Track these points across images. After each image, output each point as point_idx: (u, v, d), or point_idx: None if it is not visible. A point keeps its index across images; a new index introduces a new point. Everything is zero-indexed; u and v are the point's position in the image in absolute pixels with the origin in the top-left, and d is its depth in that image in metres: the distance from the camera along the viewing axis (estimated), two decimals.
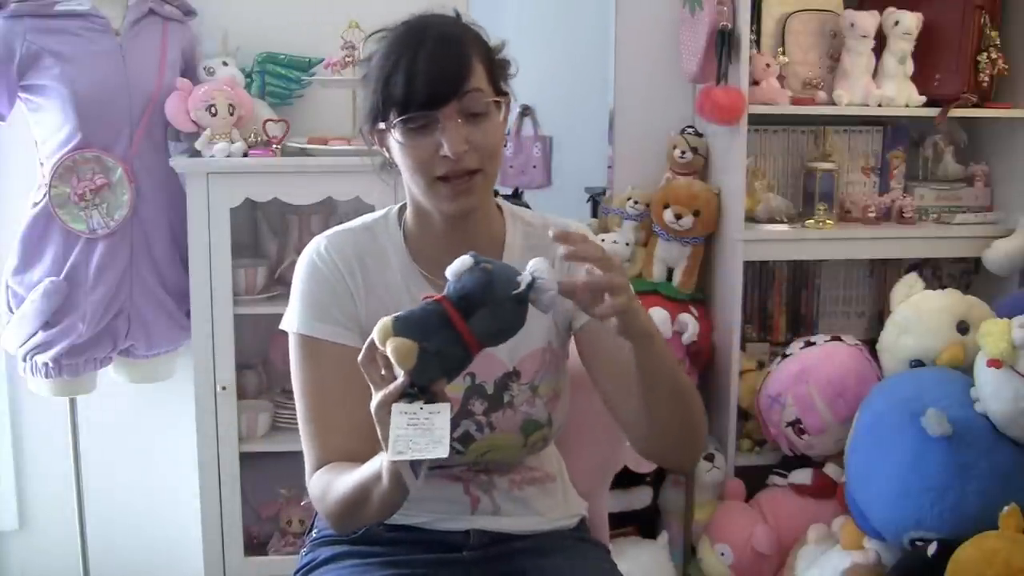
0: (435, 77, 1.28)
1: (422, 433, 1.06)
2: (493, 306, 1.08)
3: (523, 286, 1.08)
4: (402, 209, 1.46)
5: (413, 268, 1.42)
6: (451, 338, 1.09)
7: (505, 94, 1.38)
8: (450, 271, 1.12)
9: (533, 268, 1.11)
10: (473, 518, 1.45)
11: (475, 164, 1.31)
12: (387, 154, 1.38)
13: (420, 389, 1.09)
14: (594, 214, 2.94)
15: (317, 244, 1.43)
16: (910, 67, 2.73)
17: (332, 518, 1.31)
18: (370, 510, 1.23)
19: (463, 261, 1.12)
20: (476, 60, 1.31)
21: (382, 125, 1.33)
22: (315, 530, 1.53)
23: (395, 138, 1.32)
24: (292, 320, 1.40)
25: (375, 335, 1.10)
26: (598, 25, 2.88)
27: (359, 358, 1.13)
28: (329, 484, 1.30)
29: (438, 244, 1.41)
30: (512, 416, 1.41)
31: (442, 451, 1.04)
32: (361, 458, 1.30)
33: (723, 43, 2.57)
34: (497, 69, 1.37)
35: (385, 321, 1.09)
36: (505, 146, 1.53)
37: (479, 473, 1.46)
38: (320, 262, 1.41)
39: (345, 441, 1.33)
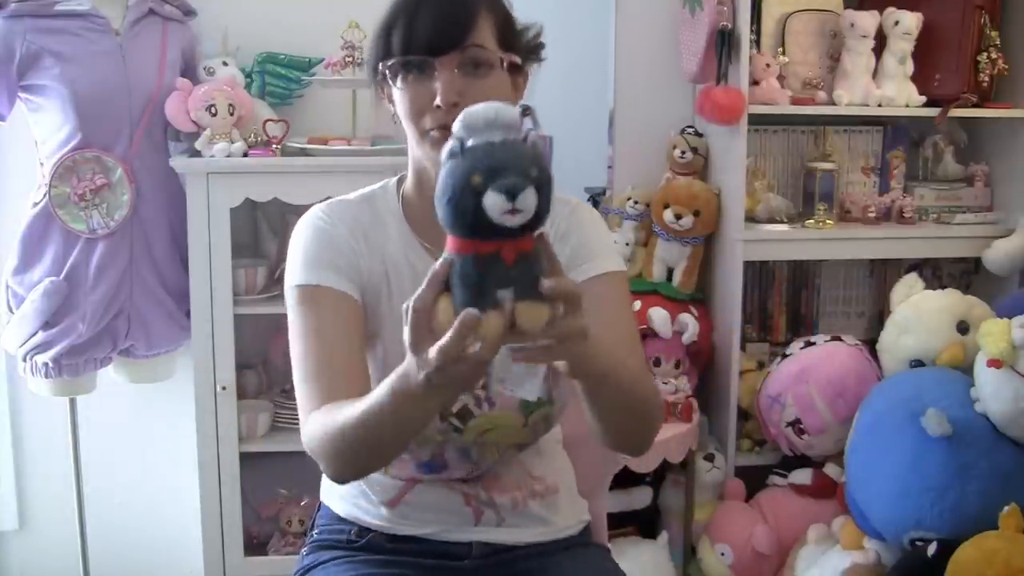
0: (437, 24, 1.26)
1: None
2: None
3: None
4: (401, 180, 1.44)
5: (412, 238, 1.39)
6: None
7: (516, 55, 1.33)
8: None
9: None
10: (476, 530, 1.44)
11: None
12: (393, 108, 1.35)
13: None
14: None
15: (315, 210, 1.39)
16: (910, 67, 2.73)
17: (333, 456, 1.20)
18: (384, 431, 1.13)
19: None
20: (484, 16, 1.28)
21: (383, 68, 1.30)
22: (315, 530, 1.51)
23: (394, 84, 1.30)
24: (292, 275, 1.36)
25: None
26: (598, 25, 2.88)
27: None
28: (329, 418, 1.19)
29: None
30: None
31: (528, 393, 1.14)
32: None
33: (723, 43, 2.57)
34: (510, 33, 1.33)
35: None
36: None
37: (479, 488, 1.44)
38: (322, 222, 1.37)
39: (350, 386, 1.24)
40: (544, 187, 0.97)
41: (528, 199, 0.95)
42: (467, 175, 0.96)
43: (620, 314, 1.39)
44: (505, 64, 1.31)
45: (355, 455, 1.20)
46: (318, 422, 1.22)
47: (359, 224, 1.39)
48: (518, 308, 0.96)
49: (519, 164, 0.97)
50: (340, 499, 1.49)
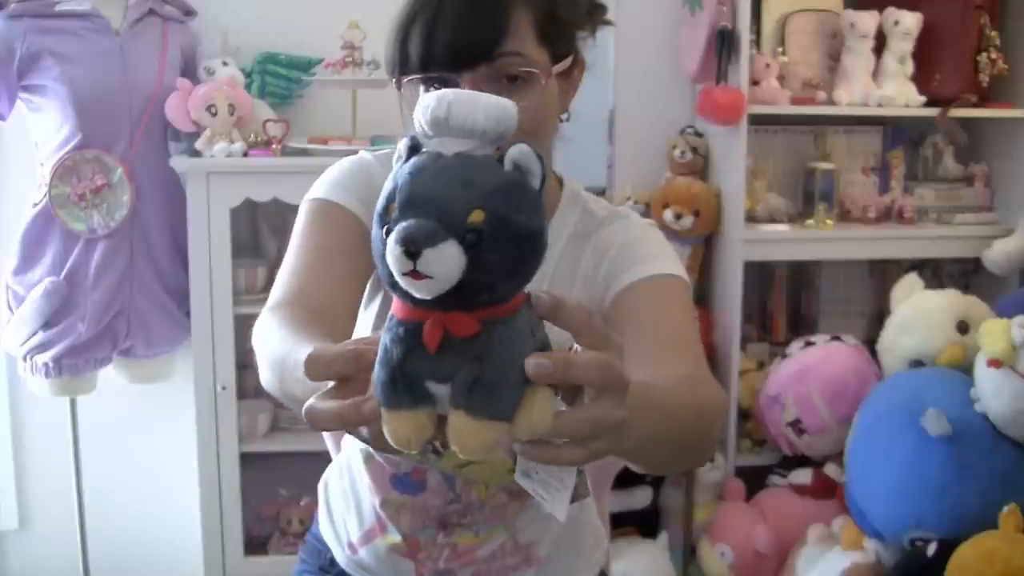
0: (459, 29, 1.04)
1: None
2: None
3: None
4: None
5: None
6: None
7: (565, 56, 1.13)
8: None
9: None
10: None
11: None
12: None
13: None
14: None
15: (365, 152, 1.23)
16: (910, 67, 2.73)
17: (263, 369, 1.01)
18: (289, 385, 0.93)
19: None
20: (519, 11, 1.06)
21: (397, 82, 1.11)
22: (308, 535, 1.42)
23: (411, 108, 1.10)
24: (310, 193, 1.20)
25: None
26: None
27: None
28: (283, 335, 0.98)
29: None
30: None
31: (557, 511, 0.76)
32: (334, 321, 1.06)
33: (723, 43, 2.57)
34: (556, 24, 1.10)
35: None
36: (565, 119, 1.22)
37: (438, 557, 1.23)
38: (368, 160, 1.22)
39: (324, 298, 1.08)
40: (490, 247, 0.62)
41: (438, 261, 0.61)
42: (387, 199, 0.65)
43: (664, 315, 1.10)
44: (551, 73, 1.10)
45: (278, 388, 0.98)
46: (272, 328, 1.01)
47: None
48: (450, 420, 0.64)
49: (445, 200, 0.62)
50: (326, 517, 1.37)
